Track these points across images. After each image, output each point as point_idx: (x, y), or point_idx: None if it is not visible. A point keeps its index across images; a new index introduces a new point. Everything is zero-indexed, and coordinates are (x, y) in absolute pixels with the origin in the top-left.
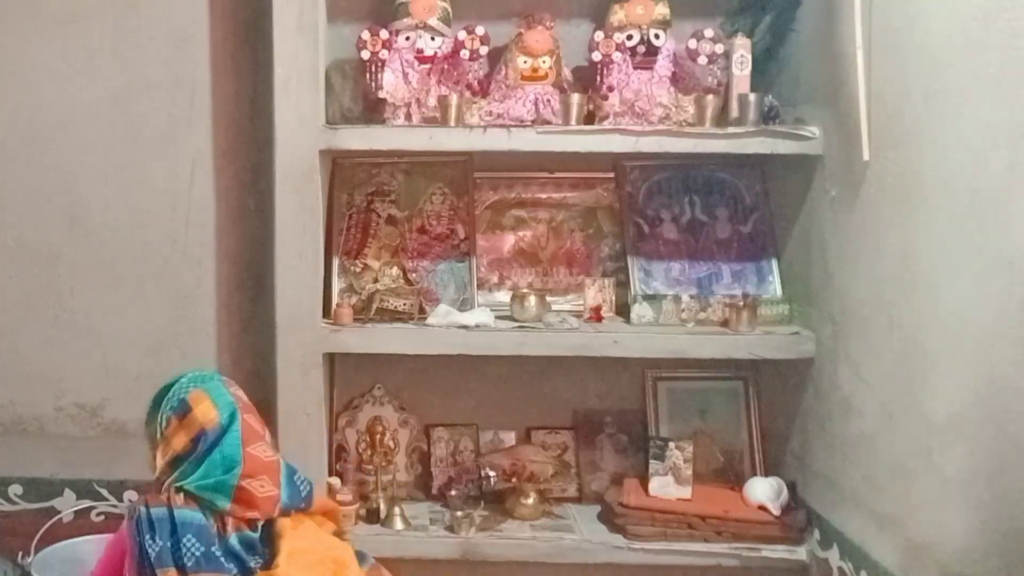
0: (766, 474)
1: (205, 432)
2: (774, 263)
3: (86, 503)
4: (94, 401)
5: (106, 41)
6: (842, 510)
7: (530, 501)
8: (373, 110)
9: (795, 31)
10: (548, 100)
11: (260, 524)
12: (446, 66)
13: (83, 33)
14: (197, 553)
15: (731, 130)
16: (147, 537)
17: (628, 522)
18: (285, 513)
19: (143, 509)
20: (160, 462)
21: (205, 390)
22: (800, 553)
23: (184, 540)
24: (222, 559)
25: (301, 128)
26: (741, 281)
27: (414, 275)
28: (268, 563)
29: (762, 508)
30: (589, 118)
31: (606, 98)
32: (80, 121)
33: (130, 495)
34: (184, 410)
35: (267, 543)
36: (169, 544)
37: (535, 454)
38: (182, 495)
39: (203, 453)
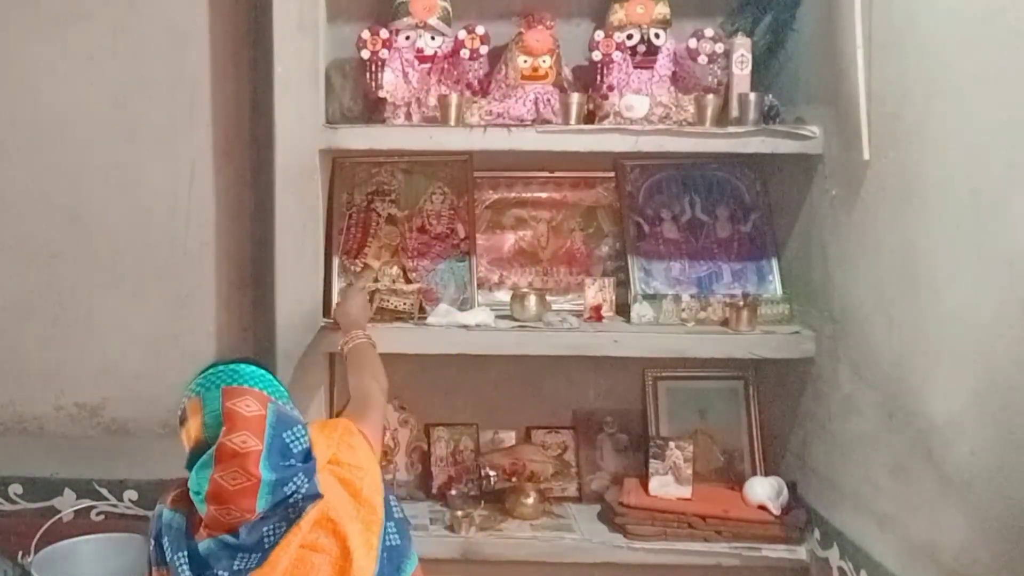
0: (766, 474)
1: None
2: (774, 263)
3: (86, 503)
4: (94, 401)
5: (106, 41)
6: (842, 510)
7: (530, 501)
8: (373, 109)
9: (795, 30)
10: (548, 99)
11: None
12: (446, 65)
13: (83, 33)
14: (169, 557)
15: (731, 130)
16: (150, 534)
17: (628, 522)
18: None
19: (158, 506)
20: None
21: (202, 402)
22: (800, 553)
23: (163, 540)
24: (180, 568)
25: (301, 127)
26: (741, 281)
27: (414, 275)
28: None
29: (762, 508)
30: (589, 118)
31: (606, 97)
32: (80, 121)
33: (130, 495)
34: (182, 418)
35: (255, 550)
36: (155, 543)
37: (535, 454)
38: (177, 491)
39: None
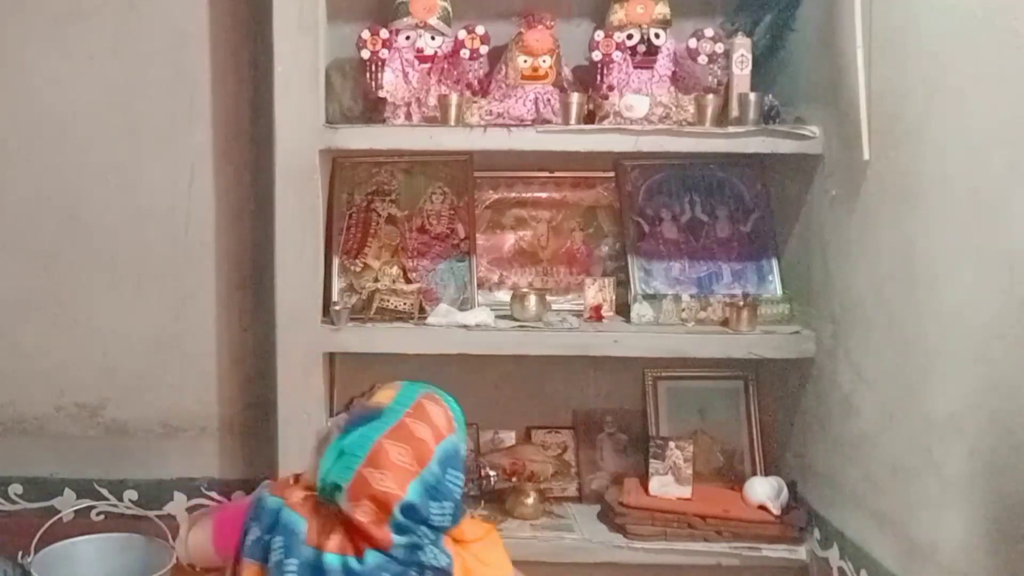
0: (766, 474)
1: (366, 409)
2: (774, 262)
3: (86, 503)
4: (94, 401)
5: (106, 41)
6: (842, 510)
7: (530, 501)
8: (373, 109)
9: (795, 30)
10: (548, 99)
11: (369, 556)
12: (446, 65)
13: (83, 33)
14: (276, 558)
15: (731, 130)
16: (252, 522)
17: (628, 522)
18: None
19: (264, 493)
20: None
21: (401, 385)
22: (800, 553)
23: (274, 539)
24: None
25: (301, 127)
26: (741, 280)
27: (414, 275)
28: None
29: (762, 508)
30: (589, 118)
31: (606, 97)
32: (80, 121)
33: (130, 495)
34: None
35: None
36: (266, 538)
37: (535, 453)
38: (304, 494)
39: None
